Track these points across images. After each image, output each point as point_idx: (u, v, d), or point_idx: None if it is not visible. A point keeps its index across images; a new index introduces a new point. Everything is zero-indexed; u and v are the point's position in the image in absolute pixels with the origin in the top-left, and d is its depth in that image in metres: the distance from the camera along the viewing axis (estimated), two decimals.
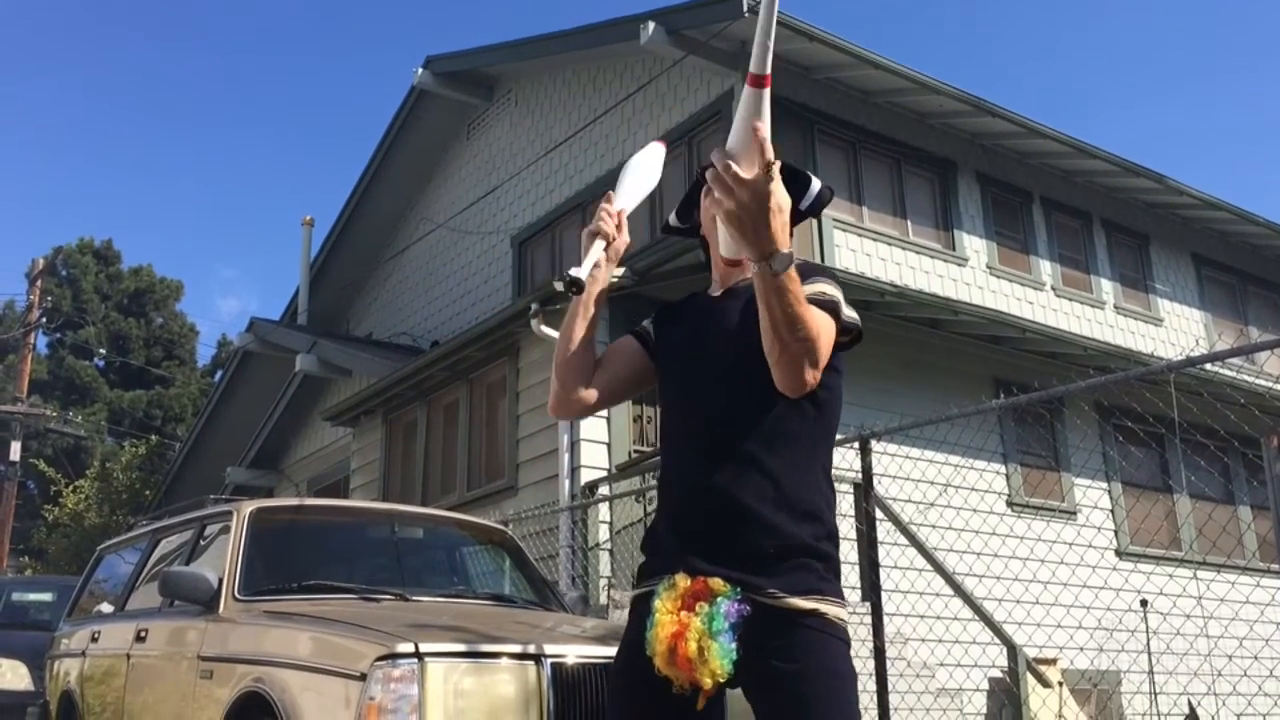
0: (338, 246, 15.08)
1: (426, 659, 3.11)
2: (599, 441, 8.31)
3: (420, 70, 13.00)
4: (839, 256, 9.65)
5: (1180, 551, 10.17)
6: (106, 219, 64.21)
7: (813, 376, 1.84)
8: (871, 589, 5.14)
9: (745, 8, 8.86)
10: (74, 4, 57.56)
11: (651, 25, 9.59)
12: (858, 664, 1.99)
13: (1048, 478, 10.09)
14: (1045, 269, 11.62)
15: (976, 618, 6.39)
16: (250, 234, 66.55)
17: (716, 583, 1.89)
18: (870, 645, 5.01)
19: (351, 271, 15.26)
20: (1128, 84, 79.43)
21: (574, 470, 8.19)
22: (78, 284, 30.34)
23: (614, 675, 2.14)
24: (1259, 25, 65.31)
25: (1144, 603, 7.47)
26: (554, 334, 7.63)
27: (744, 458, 1.97)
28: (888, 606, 5.30)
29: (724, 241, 2.10)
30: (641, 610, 1.99)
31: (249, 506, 4.61)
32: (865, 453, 5.22)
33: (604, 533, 7.95)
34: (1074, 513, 10.20)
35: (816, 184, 2.16)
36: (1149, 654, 7.44)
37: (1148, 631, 7.53)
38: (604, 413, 7.98)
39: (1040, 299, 11.37)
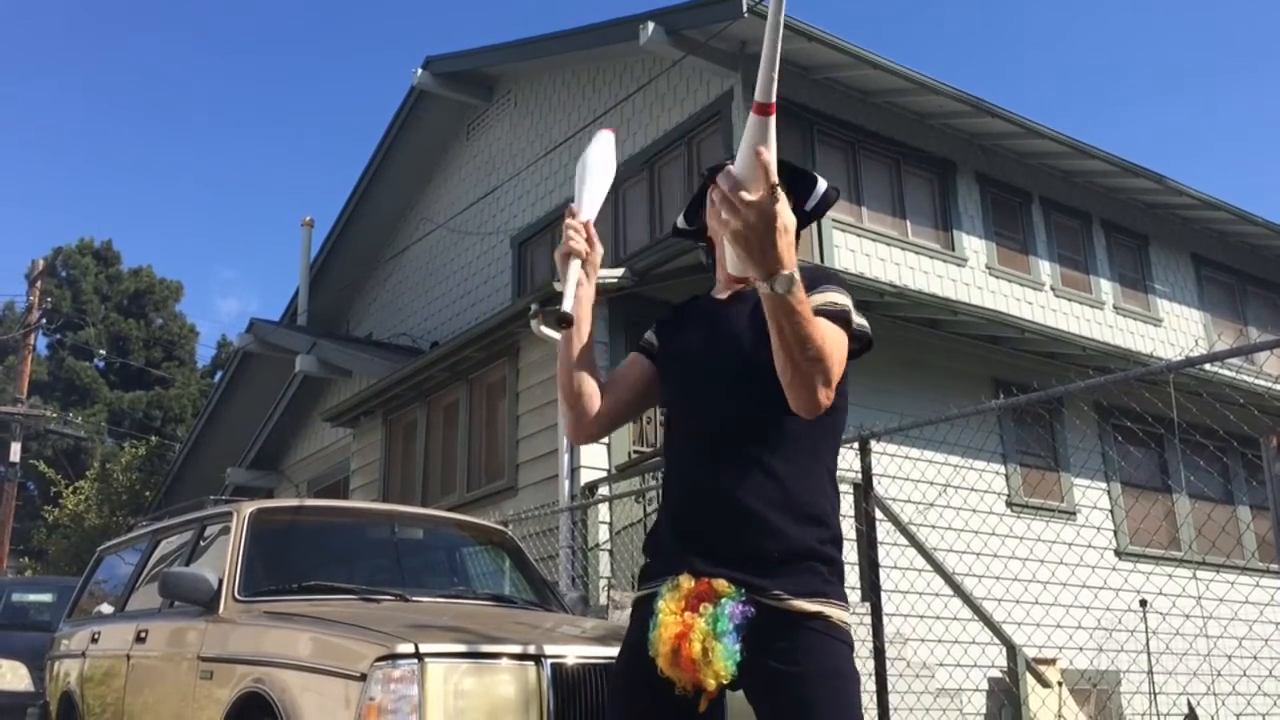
0: (338, 247, 15.08)
1: (426, 659, 3.11)
2: (599, 442, 8.30)
3: (420, 70, 12.99)
4: (838, 257, 9.65)
5: (1179, 551, 10.18)
6: (106, 219, 64.30)
7: (826, 396, 1.83)
8: (871, 589, 5.14)
9: (745, 8, 8.85)
10: (74, 4, 57.61)
11: (651, 25, 9.58)
12: (857, 664, 1.99)
13: (1047, 478, 10.09)
14: (1044, 269, 11.62)
15: (976, 618, 6.39)
16: (250, 234, 66.65)
17: (721, 584, 1.88)
18: (870, 645, 5.00)
19: (351, 272, 15.26)
20: (1128, 83, 79.51)
21: (574, 471, 8.19)
22: (77, 285, 30.35)
23: (615, 676, 2.13)
24: (1259, 25, 65.38)
25: (1143, 603, 7.47)
26: (554, 335, 7.62)
27: (748, 460, 1.97)
28: (887, 607, 5.30)
29: (731, 260, 2.10)
30: (644, 612, 1.98)
31: (249, 507, 4.61)
32: (865, 453, 5.23)
33: (604, 533, 7.95)
34: (1073, 513, 10.20)
35: (822, 184, 2.17)
36: (1148, 654, 7.44)
37: (1147, 631, 7.53)
38: None
39: (1039, 299, 11.38)
